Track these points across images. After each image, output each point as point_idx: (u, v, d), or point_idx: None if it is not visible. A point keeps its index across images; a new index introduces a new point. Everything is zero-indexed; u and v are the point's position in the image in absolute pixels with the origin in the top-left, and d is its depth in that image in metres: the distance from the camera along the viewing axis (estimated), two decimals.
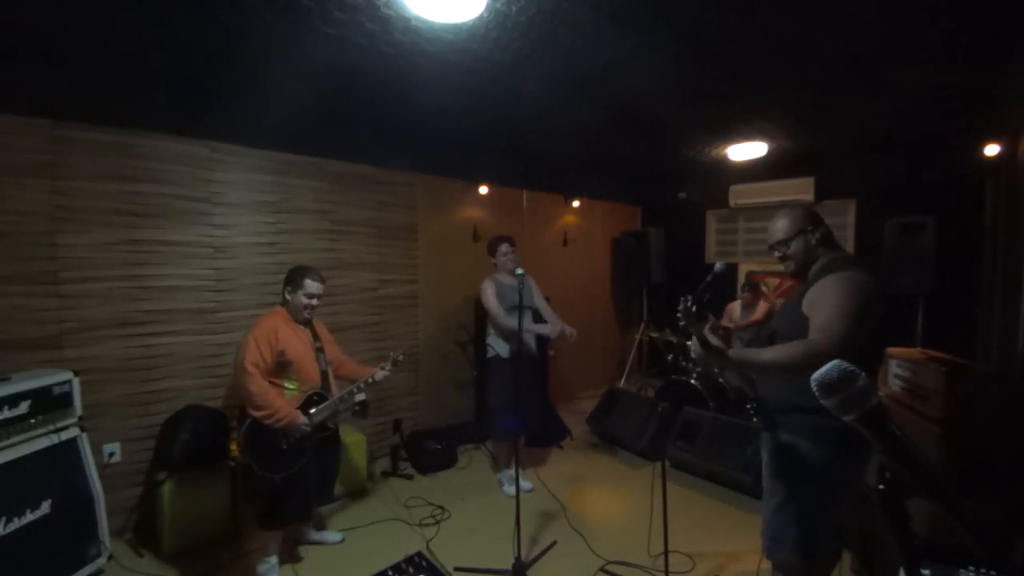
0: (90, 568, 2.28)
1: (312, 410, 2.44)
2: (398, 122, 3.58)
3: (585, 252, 5.78)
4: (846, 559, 2.41)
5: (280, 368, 2.40)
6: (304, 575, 2.53)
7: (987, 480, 2.17)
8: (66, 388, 2.33)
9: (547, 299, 3.56)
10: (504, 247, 3.29)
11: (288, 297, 2.50)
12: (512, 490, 2.79)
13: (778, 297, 5.03)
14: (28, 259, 2.52)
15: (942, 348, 2.80)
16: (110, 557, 2.38)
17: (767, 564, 1.82)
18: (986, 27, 2.08)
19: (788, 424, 1.66)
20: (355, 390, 2.57)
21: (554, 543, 2.76)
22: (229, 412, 2.97)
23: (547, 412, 4.08)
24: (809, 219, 1.73)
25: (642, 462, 3.88)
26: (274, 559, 2.47)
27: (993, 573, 1.47)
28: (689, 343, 1.69)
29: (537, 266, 4.36)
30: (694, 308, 1.66)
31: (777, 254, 1.78)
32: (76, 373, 2.38)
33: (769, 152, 4.21)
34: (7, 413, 2.07)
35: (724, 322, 4.54)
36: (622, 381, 5.60)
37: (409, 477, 3.61)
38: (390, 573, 2.46)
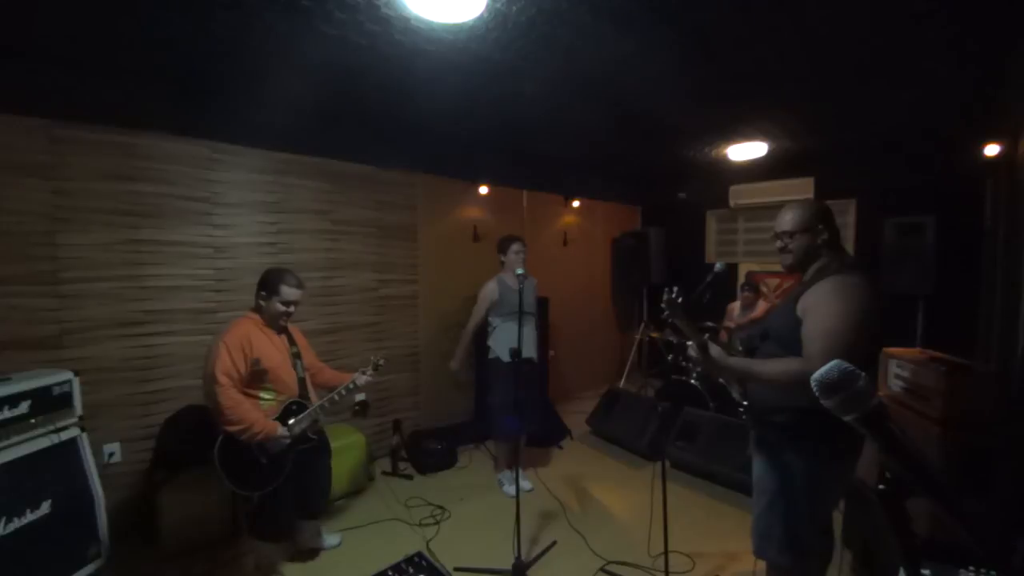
0: (90, 568, 2.28)
1: (291, 420, 2.31)
2: (398, 122, 3.58)
3: (585, 252, 5.78)
4: (847, 559, 2.41)
5: (255, 377, 2.25)
6: (304, 575, 2.53)
7: (987, 480, 2.17)
8: (66, 388, 2.32)
9: (546, 300, 3.56)
10: (517, 246, 3.27)
11: (262, 303, 2.33)
12: (512, 490, 2.79)
13: (778, 297, 5.03)
14: (28, 259, 2.52)
15: (942, 348, 2.79)
16: (110, 557, 2.37)
17: (764, 564, 1.83)
18: (986, 27, 2.08)
19: (777, 424, 1.67)
20: (336, 397, 2.44)
21: (554, 543, 2.76)
22: None
23: (547, 412, 4.08)
24: (820, 217, 1.68)
25: (642, 462, 3.88)
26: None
27: (993, 573, 1.46)
28: (689, 344, 1.70)
29: (537, 266, 4.36)
30: (679, 299, 1.66)
31: (779, 244, 1.74)
32: (76, 373, 2.37)
33: (769, 152, 4.21)
34: (7, 413, 2.06)
35: (725, 322, 4.57)
36: (622, 381, 5.60)
37: (409, 477, 3.61)
38: (390, 573, 2.45)
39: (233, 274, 3.18)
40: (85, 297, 2.69)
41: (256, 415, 2.20)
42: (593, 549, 2.71)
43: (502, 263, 3.34)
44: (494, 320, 3.32)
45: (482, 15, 1.97)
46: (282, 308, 2.34)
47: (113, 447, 2.78)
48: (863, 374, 0.84)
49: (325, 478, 2.66)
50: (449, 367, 3.44)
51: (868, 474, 2.27)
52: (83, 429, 2.37)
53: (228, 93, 2.94)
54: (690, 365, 1.81)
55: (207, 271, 3.09)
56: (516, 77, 2.63)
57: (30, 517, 2.06)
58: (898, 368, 2.61)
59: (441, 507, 3.16)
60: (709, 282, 1.89)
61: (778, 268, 2.63)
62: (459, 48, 2.29)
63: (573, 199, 5.46)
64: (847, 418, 0.83)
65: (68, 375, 2.34)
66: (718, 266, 1.95)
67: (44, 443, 2.18)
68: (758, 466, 1.77)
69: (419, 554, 2.61)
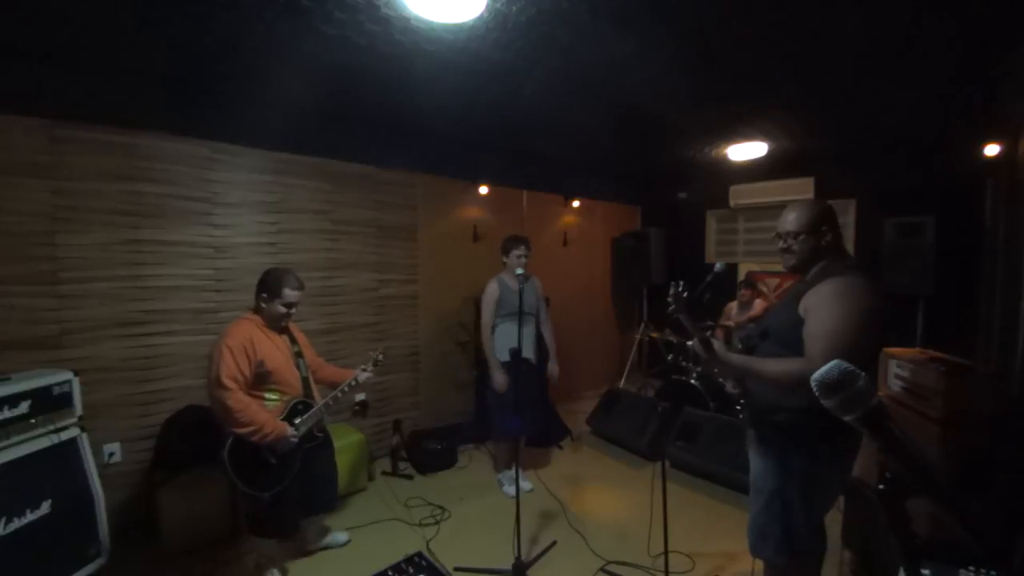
0: (90, 568, 2.28)
1: (298, 420, 2.33)
2: (398, 122, 3.58)
3: (585, 252, 5.78)
4: (847, 559, 2.41)
5: (259, 379, 2.26)
6: (304, 575, 2.53)
7: (987, 480, 2.17)
8: (66, 388, 2.32)
9: (547, 300, 3.55)
10: (519, 250, 3.21)
11: (263, 305, 2.33)
12: (512, 490, 2.79)
13: (777, 297, 5.03)
14: (28, 259, 2.52)
15: (942, 348, 2.79)
16: (110, 557, 2.37)
17: (762, 564, 1.83)
18: (986, 27, 2.08)
19: (776, 423, 1.67)
20: (339, 395, 2.47)
21: (554, 543, 2.76)
22: None
23: (547, 412, 4.08)
24: (824, 219, 1.67)
25: (642, 462, 3.88)
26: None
27: (993, 573, 1.46)
28: (690, 343, 1.71)
29: (537, 266, 4.36)
30: (685, 293, 1.66)
31: (782, 244, 1.72)
32: (76, 373, 2.37)
33: (769, 152, 4.21)
34: (7, 413, 2.06)
35: (722, 321, 4.56)
36: (622, 381, 5.60)
37: (409, 477, 3.61)
38: (390, 573, 2.45)
39: (233, 274, 3.18)
40: (85, 297, 2.69)
41: (264, 416, 2.21)
42: (593, 549, 2.71)
43: (504, 263, 3.33)
44: (494, 320, 3.31)
45: (482, 15, 1.97)
46: (283, 310, 2.34)
47: (113, 447, 2.78)
48: (863, 374, 0.84)
49: (331, 471, 2.67)
50: (497, 389, 3.23)
51: (868, 474, 2.27)
52: (83, 429, 2.37)
53: (228, 93, 2.94)
54: (691, 364, 1.82)
55: (207, 271, 3.09)
56: (516, 77, 2.63)
57: (30, 517, 2.06)
58: (898, 368, 2.61)
59: (441, 507, 3.16)
60: (709, 282, 1.89)
61: (778, 268, 2.64)
62: (459, 48, 2.29)
63: (573, 199, 5.45)
64: (847, 418, 0.83)
65: (68, 375, 2.34)
66: (718, 266, 1.96)
67: (44, 443, 2.18)
68: (756, 465, 1.77)
69: (419, 554, 2.62)
